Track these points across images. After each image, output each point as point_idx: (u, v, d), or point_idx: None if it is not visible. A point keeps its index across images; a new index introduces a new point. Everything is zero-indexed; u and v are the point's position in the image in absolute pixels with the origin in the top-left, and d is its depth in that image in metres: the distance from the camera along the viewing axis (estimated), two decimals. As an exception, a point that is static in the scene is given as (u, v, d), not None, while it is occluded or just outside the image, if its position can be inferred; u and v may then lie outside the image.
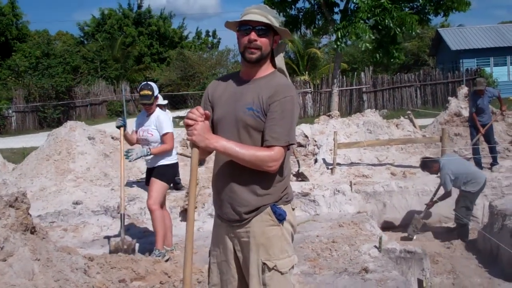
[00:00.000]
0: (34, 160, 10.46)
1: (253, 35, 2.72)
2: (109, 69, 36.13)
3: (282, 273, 2.79)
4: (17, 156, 15.45)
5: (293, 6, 16.04)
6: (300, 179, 9.71)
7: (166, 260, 5.71)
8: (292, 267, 2.89)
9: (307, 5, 16.47)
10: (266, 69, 2.85)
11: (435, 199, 8.46)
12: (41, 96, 29.98)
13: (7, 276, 3.95)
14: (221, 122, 2.82)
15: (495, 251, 7.01)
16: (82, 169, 9.90)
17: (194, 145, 2.61)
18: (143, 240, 6.93)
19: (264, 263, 2.76)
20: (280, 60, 2.91)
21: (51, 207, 8.56)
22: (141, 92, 6.12)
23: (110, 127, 14.51)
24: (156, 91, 6.25)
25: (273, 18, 2.77)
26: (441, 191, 8.42)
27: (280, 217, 2.79)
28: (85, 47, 40.18)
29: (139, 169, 10.86)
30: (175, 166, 6.26)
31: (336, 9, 15.97)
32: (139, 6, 44.50)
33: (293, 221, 2.94)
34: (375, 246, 5.86)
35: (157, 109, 6.26)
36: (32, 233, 4.43)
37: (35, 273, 4.12)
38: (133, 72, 37.96)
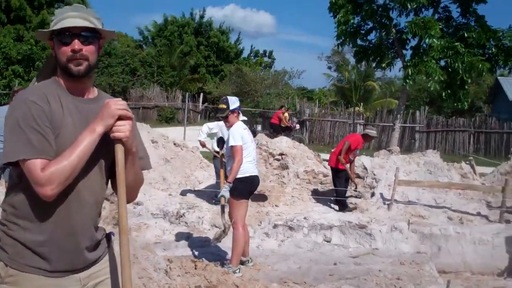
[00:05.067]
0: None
1: (77, 45, 2.17)
2: (165, 76, 36.92)
3: None
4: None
5: (364, 38, 16.08)
6: None
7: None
8: None
9: (375, 38, 16.44)
10: (93, 87, 2.35)
11: None
12: (97, 93, 30.87)
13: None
14: None
15: None
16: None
17: (119, 142, 2.14)
18: (204, 249, 7.00)
19: None
20: None
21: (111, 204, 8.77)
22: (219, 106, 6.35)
23: (172, 132, 14.75)
24: (233, 105, 6.29)
25: (95, 20, 2.26)
26: None
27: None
28: (144, 51, 41.10)
29: (197, 178, 11.01)
30: (248, 179, 6.13)
31: (407, 46, 15.95)
32: (201, 17, 45.34)
33: None
34: (441, 290, 5.80)
35: (237, 123, 6.28)
36: (119, 227, 4.55)
37: (120, 267, 4.22)
38: (186, 82, 38.63)
